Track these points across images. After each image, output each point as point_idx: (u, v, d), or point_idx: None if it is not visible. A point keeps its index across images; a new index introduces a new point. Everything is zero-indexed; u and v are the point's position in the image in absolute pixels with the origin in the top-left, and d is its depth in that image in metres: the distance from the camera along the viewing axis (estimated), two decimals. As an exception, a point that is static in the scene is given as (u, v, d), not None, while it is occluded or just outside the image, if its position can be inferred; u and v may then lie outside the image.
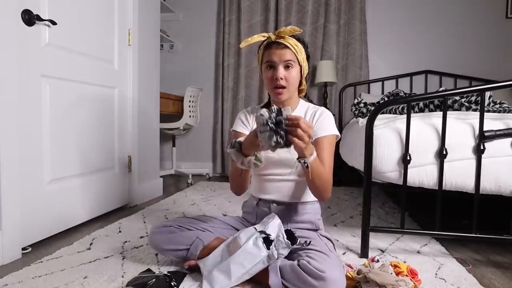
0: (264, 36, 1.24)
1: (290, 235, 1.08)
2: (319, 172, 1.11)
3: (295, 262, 1.01)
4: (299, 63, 1.25)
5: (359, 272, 1.06)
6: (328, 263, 1.00)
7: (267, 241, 1.05)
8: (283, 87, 1.23)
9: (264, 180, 1.32)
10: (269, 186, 1.31)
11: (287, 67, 1.22)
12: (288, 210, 1.29)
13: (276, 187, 1.30)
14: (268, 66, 1.24)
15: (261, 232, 1.07)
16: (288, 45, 1.22)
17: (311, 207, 1.32)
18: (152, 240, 1.25)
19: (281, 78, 1.21)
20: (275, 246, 1.03)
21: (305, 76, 1.30)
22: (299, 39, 1.27)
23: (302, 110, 1.33)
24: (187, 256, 1.20)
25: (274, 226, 1.08)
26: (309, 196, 1.31)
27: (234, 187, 1.31)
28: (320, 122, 1.26)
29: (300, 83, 1.30)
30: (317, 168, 1.10)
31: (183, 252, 1.21)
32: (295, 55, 1.23)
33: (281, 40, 1.22)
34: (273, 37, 1.22)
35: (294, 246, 1.06)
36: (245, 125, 1.35)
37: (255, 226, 1.12)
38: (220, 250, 1.11)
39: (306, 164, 1.04)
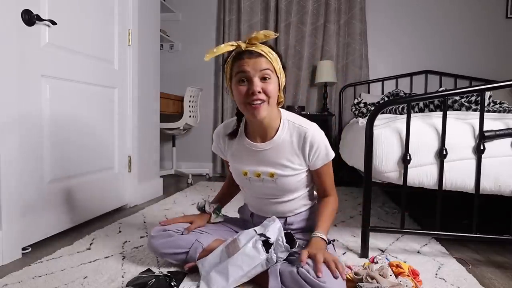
0: (233, 45, 1.06)
1: (289, 238, 1.07)
2: (331, 218, 1.22)
3: (295, 270, 0.98)
4: (276, 74, 1.09)
5: (356, 274, 1.07)
6: (328, 272, 0.98)
7: (267, 244, 1.04)
8: (261, 101, 1.06)
9: (254, 198, 1.32)
10: (259, 205, 1.31)
11: (263, 78, 1.06)
12: (283, 222, 1.27)
13: (265, 205, 1.29)
14: (241, 80, 1.06)
15: (261, 235, 1.07)
16: (262, 53, 1.05)
17: (306, 214, 1.31)
18: (151, 245, 1.24)
19: (259, 92, 1.04)
20: (274, 250, 1.03)
21: (282, 88, 1.14)
22: (272, 48, 1.11)
23: (286, 133, 1.18)
24: (187, 259, 1.20)
25: (275, 229, 1.07)
26: (303, 206, 1.30)
27: None
28: (317, 152, 1.17)
29: (278, 97, 1.14)
30: (330, 222, 1.20)
31: (182, 256, 1.21)
32: (271, 64, 1.07)
33: (253, 48, 1.05)
34: (243, 45, 1.05)
35: (293, 250, 1.06)
36: (221, 149, 1.33)
37: (255, 228, 1.11)
38: (219, 252, 1.11)
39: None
